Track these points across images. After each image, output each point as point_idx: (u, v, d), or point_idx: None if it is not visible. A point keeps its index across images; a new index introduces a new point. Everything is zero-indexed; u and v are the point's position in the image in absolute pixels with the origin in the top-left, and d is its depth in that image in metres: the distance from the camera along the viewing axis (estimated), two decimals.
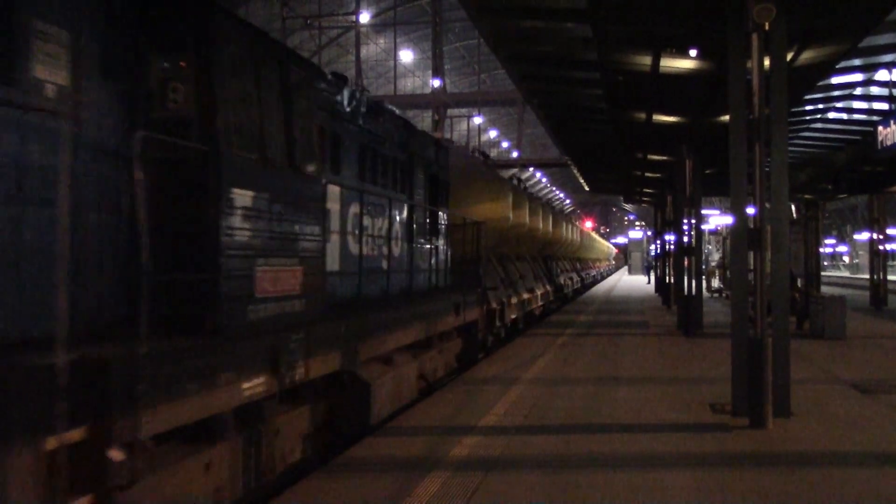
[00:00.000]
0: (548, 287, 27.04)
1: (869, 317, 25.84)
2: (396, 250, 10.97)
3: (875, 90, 20.71)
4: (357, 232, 9.27)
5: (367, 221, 9.57)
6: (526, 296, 21.67)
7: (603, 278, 66.10)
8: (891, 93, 20.12)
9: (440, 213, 13.58)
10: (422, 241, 12.39)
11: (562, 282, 32.12)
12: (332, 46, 56.90)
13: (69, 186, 4.51)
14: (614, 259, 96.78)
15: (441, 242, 13.64)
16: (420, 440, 8.49)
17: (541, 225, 24.63)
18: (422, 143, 12.87)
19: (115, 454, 4.49)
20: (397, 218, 11.05)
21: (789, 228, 10.45)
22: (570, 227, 36.46)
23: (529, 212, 22.00)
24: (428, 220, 12.73)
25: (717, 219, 43.86)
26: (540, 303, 24.51)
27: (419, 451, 8.03)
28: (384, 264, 10.39)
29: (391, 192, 10.87)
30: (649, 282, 54.51)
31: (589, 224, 76.61)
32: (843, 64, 15.64)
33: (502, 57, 17.27)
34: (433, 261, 13.11)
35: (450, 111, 48.22)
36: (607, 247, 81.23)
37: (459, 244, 15.14)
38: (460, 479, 6.98)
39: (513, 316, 19.32)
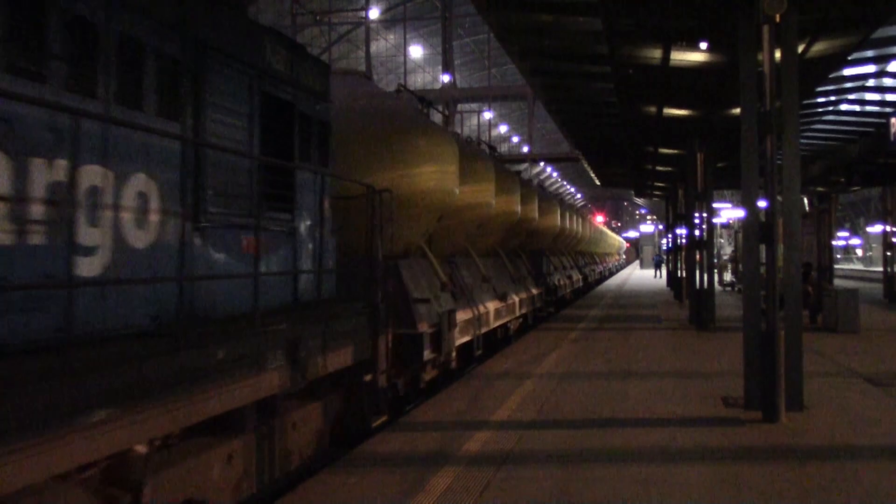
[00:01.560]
0: (534, 290, 21.07)
1: (883, 310, 25.70)
2: (144, 237, 5.46)
3: (888, 81, 20.53)
4: None
5: None
6: (490, 306, 15.44)
7: (612, 274, 64.26)
8: None
9: (303, 172, 7.77)
10: (240, 218, 6.55)
11: (556, 282, 25.68)
12: (342, 42, 56.94)
13: None
14: (625, 253, 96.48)
15: (306, 225, 7.82)
16: (433, 435, 8.51)
17: (518, 209, 18.74)
18: (239, 33, 6.86)
19: None
20: (145, 166, 5.47)
21: (801, 221, 10.39)
22: (569, 215, 31.02)
23: (499, 189, 16.29)
24: (257, 181, 6.73)
25: (728, 212, 43.68)
26: (520, 311, 18.66)
27: (432, 445, 8.05)
28: (85, 265, 4.88)
29: (117, 109, 5.23)
30: (657, 276, 54.34)
31: (600, 218, 76.41)
32: (855, 55, 15.53)
33: (512, 51, 17.24)
34: (282, 256, 7.35)
35: (460, 106, 48.19)
36: (617, 241, 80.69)
37: (353, 228, 9.52)
38: (473, 473, 7.00)
39: (464, 339, 13.16)
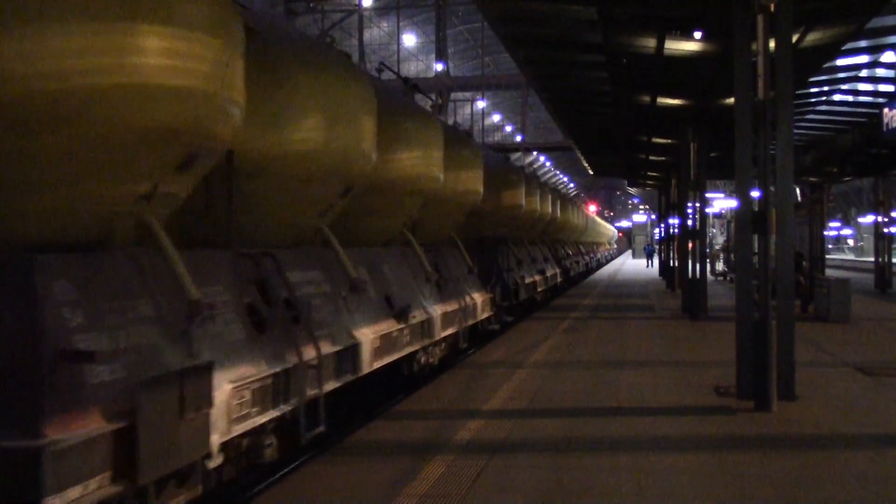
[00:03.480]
0: (477, 296, 14.51)
1: (874, 299, 25.80)
2: None
3: (881, 72, 20.57)
4: None
5: None
6: (365, 334, 8.70)
7: (601, 265, 61.00)
8: None
9: None
10: None
11: (519, 281, 19.50)
12: (335, 30, 56.71)
13: None
14: (616, 243, 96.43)
15: None
16: (425, 423, 8.51)
17: (441, 175, 11.92)
18: None
19: None
20: None
21: (794, 211, 10.41)
22: (541, 195, 24.16)
23: (390, 136, 9.99)
24: None
25: (721, 202, 43.77)
26: (443, 332, 11.92)
27: (424, 434, 8.06)
28: None
29: None
30: (649, 266, 54.37)
31: (593, 208, 76.35)
32: (848, 45, 15.54)
33: (506, 40, 17.19)
34: None
35: (453, 95, 48.08)
36: (609, 229, 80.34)
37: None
38: (465, 462, 7.00)
39: (256, 420, 6.17)
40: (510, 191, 19.23)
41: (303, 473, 6.78)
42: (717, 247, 45.67)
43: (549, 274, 25.01)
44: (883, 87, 21.53)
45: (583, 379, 11.22)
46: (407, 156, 10.80)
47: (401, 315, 10.00)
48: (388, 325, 9.55)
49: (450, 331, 12.43)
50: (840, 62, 18.54)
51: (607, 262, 70.26)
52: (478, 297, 14.60)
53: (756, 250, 9.97)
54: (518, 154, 50.42)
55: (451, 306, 12.67)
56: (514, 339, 15.65)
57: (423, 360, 11.16)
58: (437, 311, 11.72)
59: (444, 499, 6.02)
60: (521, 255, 21.10)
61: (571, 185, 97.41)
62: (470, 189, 14.42)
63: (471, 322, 13.96)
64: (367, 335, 8.73)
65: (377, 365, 8.97)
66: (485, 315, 15.13)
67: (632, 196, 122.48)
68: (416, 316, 10.61)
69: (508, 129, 73.54)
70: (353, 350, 8.29)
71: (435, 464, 6.94)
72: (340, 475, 6.67)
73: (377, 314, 9.41)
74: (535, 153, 64.67)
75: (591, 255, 51.08)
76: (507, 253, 19.06)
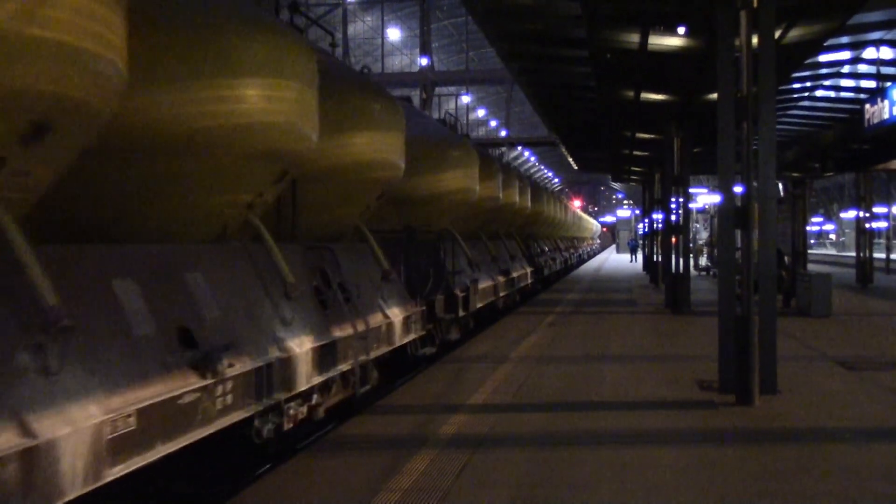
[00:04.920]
0: (396, 312, 10.37)
1: (855, 294, 26.00)
2: None
3: (863, 68, 20.72)
4: None
5: None
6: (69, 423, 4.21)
7: (583, 261, 57.95)
8: (878, 71, 20.15)
9: None
10: None
11: (470, 285, 15.04)
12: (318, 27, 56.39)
13: None
14: (600, 238, 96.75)
15: None
16: (409, 418, 8.52)
17: (313, 135, 7.40)
18: None
19: None
20: None
21: (776, 206, 10.47)
22: (503, 179, 19.51)
23: (219, 71, 6.10)
24: None
25: (704, 197, 43.95)
26: (312, 379, 7.44)
27: (408, 429, 8.06)
28: None
29: None
30: (632, 261, 54.52)
31: (577, 203, 76.52)
32: (830, 41, 15.63)
33: (490, 34, 17.18)
34: None
35: (438, 90, 48.01)
36: (592, 224, 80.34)
37: None
38: (449, 456, 7.01)
39: None
40: (457, 171, 14.32)
41: (289, 467, 6.77)
42: (700, 242, 45.88)
43: (515, 275, 20.93)
44: (865, 84, 21.70)
45: (567, 373, 11.25)
46: (230, 91, 6.26)
47: (207, 363, 5.69)
48: (171, 385, 5.26)
49: (335, 371, 8.03)
50: (822, 58, 18.66)
51: (590, 257, 69.63)
52: (398, 313, 10.33)
53: (739, 245, 10.04)
54: (503, 148, 50.49)
55: (341, 332, 8.30)
56: (499, 334, 15.67)
57: (264, 431, 6.65)
58: (303, 343, 7.29)
59: (427, 493, 6.03)
60: (478, 252, 17.24)
61: (556, 180, 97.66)
62: (380, 159, 9.75)
63: (382, 351, 9.65)
64: (84, 419, 4.39)
65: (122, 470, 4.64)
66: (411, 336, 10.95)
67: (616, 191, 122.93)
68: (239, 364, 6.09)
69: (493, 123, 73.57)
70: (26, 459, 3.90)
71: (419, 458, 6.94)
72: (326, 469, 6.67)
73: (150, 367, 5.20)
74: (519, 148, 64.73)
75: (573, 252, 48.39)
76: (454, 250, 14.79)
